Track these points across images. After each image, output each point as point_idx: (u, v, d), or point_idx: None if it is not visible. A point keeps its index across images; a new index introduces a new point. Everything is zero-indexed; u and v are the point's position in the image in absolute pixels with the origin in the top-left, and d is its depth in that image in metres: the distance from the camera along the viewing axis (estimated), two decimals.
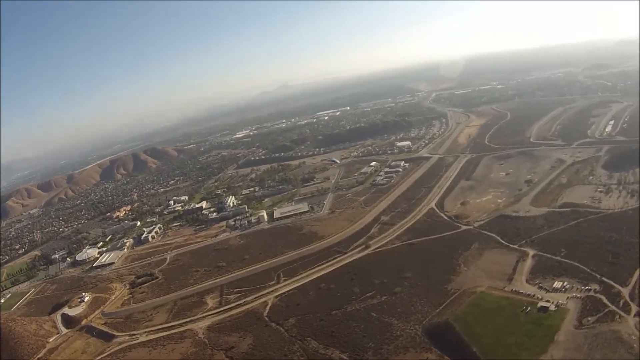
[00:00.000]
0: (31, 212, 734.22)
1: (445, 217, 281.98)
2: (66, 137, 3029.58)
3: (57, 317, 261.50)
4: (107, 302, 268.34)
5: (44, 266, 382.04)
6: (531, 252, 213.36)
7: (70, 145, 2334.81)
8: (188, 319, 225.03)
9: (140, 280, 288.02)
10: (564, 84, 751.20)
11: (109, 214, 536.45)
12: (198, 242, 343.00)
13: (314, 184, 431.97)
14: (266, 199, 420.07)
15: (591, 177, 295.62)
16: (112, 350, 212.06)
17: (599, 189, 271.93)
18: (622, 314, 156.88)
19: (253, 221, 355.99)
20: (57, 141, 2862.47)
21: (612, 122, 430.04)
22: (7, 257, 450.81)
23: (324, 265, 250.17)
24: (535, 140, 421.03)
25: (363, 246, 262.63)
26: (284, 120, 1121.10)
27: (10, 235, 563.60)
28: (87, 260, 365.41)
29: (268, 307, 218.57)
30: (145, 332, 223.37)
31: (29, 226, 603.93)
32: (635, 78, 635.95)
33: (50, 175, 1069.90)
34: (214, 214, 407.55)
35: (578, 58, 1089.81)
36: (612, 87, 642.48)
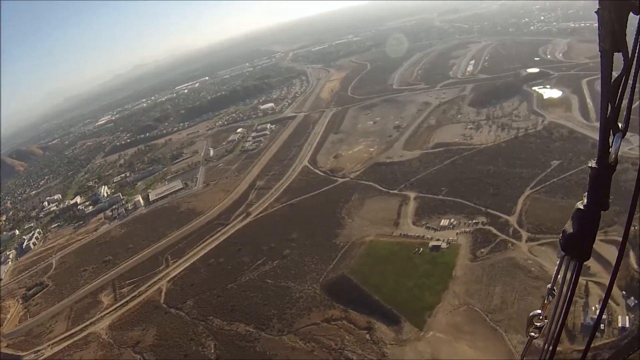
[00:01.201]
0: None
1: (321, 173, 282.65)
2: None
3: None
4: (5, 323, 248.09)
5: None
6: (412, 194, 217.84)
7: None
8: (88, 322, 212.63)
9: (31, 291, 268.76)
10: (419, 30, 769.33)
11: None
12: (80, 239, 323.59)
13: (183, 159, 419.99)
14: (139, 183, 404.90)
15: (459, 116, 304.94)
16: None
17: (469, 126, 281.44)
18: (514, 241, 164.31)
19: (130, 208, 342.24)
20: None
21: (472, 61, 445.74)
22: None
23: (209, 240, 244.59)
24: (399, 87, 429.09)
25: (244, 214, 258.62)
26: (144, 100, 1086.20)
27: None
28: None
29: (163, 293, 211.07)
30: (49, 345, 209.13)
31: None
32: (490, 18, 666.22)
33: None
34: (90, 207, 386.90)
35: (430, 5, 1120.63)
36: (469, 29, 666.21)
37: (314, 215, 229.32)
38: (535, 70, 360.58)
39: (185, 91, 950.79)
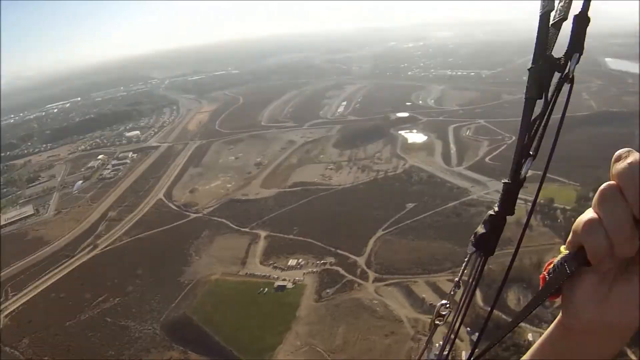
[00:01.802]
0: None
1: (174, 207, 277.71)
2: None
3: None
4: None
5: None
6: (263, 233, 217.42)
7: None
8: None
9: None
10: (301, 68, 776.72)
11: None
12: None
13: (39, 183, 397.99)
14: None
15: (322, 156, 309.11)
16: None
17: (329, 167, 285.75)
18: (361, 281, 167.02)
19: None
20: None
21: (344, 102, 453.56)
22: None
23: (53, 273, 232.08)
24: (267, 124, 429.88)
25: (91, 246, 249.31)
26: (12, 116, 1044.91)
27: None
28: None
29: None
30: None
31: None
32: (372, 61, 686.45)
33: None
34: None
35: (315, 44, 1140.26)
36: (348, 70, 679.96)
37: (162, 250, 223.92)
38: (404, 114, 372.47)
39: (55, 110, 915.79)
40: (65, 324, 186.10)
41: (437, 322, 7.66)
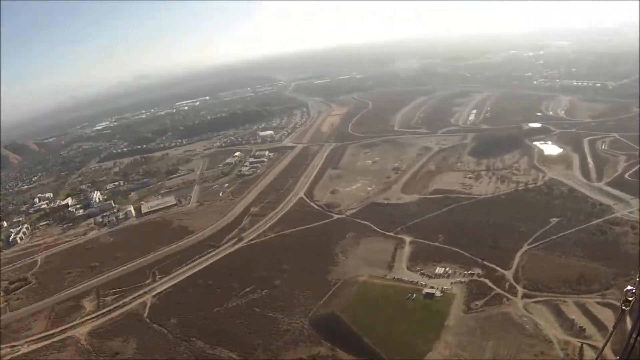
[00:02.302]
0: None
1: (316, 207, 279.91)
2: None
3: None
4: None
5: None
6: (408, 239, 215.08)
7: None
8: (68, 325, 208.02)
9: (13, 285, 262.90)
10: (425, 74, 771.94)
11: None
12: (68, 241, 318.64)
13: (178, 175, 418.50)
14: (132, 193, 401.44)
15: (459, 164, 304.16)
16: None
17: (468, 175, 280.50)
18: (509, 296, 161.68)
19: (121, 217, 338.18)
20: None
21: (474, 110, 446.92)
22: None
23: (199, 261, 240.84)
24: (400, 129, 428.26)
25: (236, 239, 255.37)
26: (143, 111, 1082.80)
27: None
28: None
29: (147, 308, 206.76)
30: (26, 342, 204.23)
31: None
32: (494, 69, 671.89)
33: None
34: (81, 210, 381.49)
35: (435, 50, 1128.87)
36: (472, 78, 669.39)
37: (307, 248, 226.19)
38: (537, 125, 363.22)
39: (186, 108, 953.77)
40: (213, 310, 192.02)
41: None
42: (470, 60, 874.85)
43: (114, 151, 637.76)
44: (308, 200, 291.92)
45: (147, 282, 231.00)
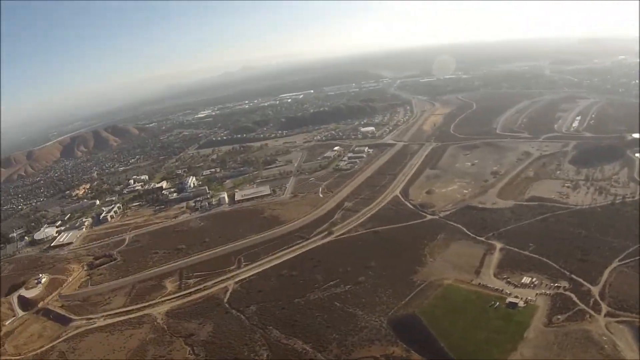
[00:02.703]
0: None
1: (410, 206, 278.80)
2: (27, 113, 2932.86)
3: (14, 299, 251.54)
4: (65, 284, 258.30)
5: (1, 245, 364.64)
6: (498, 245, 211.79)
7: (31, 121, 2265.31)
8: (146, 304, 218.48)
9: (98, 261, 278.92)
10: (530, 77, 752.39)
11: (68, 192, 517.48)
12: (157, 223, 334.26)
13: (276, 166, 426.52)
14: (227, 181, 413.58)
15: (558, 172, 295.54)
16: (69, 335, 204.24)
17: (566, 184, 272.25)
18: (593, 313, 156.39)
19: (214, 203, 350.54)
20: (18, 116, 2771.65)
21: (578, 117, 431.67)
22: None
23: (286, 251, 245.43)
24: (502, 132, 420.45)
25: (326, 232, 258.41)
26: (246, 102, 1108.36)
27: None
28: (45, 240, 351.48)
29: (228, 293, 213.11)
30: (102, 316, 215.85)
31: None
32: (602, 75, 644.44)
33: (10, 151, 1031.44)
34: (174, 194, 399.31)
35: (543, 53, 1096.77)
36: (579, 83, 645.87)
37: (397, 247, 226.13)
38: None
39: (289, 100, 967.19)
40: (293, 300, 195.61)
41: None
42: (578, 65, 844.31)
43: (214, 139, 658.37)
44: (403, 199, 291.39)
45: (232, 268, 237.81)
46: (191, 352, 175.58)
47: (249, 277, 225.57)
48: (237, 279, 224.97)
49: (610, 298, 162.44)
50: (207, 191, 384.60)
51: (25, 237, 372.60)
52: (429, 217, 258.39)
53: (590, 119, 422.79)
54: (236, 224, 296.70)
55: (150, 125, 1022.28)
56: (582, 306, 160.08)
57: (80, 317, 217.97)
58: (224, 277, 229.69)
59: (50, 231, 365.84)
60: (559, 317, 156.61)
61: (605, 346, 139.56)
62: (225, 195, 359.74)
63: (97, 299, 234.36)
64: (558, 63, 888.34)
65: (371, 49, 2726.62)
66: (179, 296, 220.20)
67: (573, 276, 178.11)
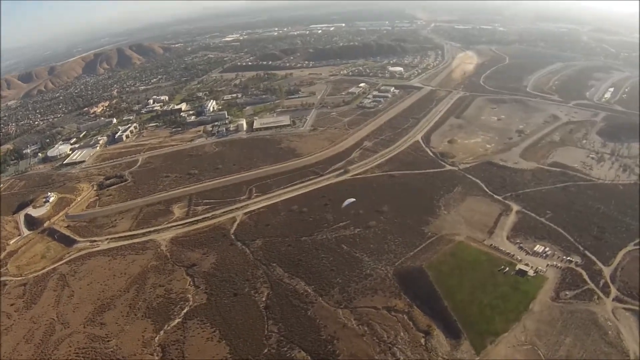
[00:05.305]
0: (9, 103, 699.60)
1: (430, 153, 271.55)
2: (54, 28, 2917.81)
3: (21, 217, 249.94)
4: (73, 204, 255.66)
5: (15, 161, 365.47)
6: (515, 207, 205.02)
7: (58, 36, 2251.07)
8: (152, 229, 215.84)
9: (108, 181, 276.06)
10: (567, 40, 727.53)
11: (86, 109, 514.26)
12: (172, 145, 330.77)
13: (298, 97, 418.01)
14: (247, 107, 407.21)
15: (584, 141, 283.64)
16: (72, 257, 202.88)
17: (591, 155, 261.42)
18: (601, 295, 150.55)
19: (231, 129, 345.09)
20: (45, 31, 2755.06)
21: (611, 89, 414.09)
22: None
23: (299, 186, 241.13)
24: (532, 91, 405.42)
25: (342, 170, 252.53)
26: (276, 29, 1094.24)
27: None
28: (59, 157, 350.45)
29: (236, 224, 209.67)
30: (107, 239, 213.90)
31: (5, 118, 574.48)
32: None
33: (33, 66, 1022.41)
34: (193, 117, 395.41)
35: (585, 18, 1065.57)
36: (616, 54, 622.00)
37: (411, 194, 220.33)
38: None
39: (319, 31, 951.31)
40: (300, 238, 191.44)
41: None
42: (620, 36, 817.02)
43: (239, 64, 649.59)
44: (423, 145, 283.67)
45: (242, 198, 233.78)
46: (191, 282, 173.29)
47: (258, 209, 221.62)
48: (246, 210, 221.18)
49: (621, 282, 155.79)
50: (226, 116, 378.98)
51: (39, 154, 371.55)
52: (448, 167, 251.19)
53: (623, 93, 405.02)
54: (252, 153, 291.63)
55: (176, 45, 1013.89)
56: (592, 286, 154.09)
57: (84, 239, 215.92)
58: (233, 206, 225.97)
59: (64, 148, 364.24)
60: (567, 293, 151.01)
61: (609, 332, 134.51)
62: (244, 122, 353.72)
63: (103, 220, 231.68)
64: (598, 31, 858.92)
65: None
66: (186, 223, 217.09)
67: (586, 252, 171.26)
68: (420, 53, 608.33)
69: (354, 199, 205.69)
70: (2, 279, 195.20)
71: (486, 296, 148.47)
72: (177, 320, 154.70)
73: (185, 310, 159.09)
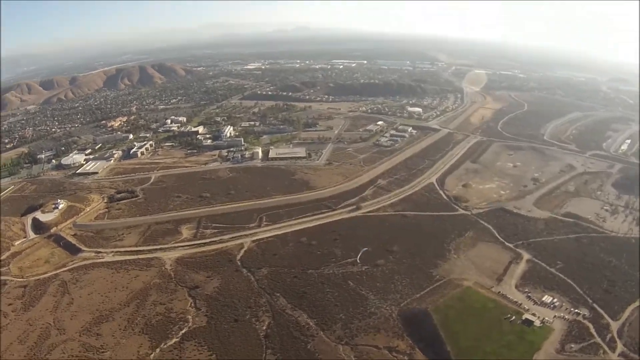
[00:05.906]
0: (28, 107, 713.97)
1: (444, 196, 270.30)
2: (79, 40, 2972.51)
3: (28, 220, 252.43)
4: (81, 213, 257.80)
5: (28, 164, 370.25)
6: (526, 255, 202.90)
7: (81, 48, 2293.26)
8: (158, 247, 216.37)
9: (119, 195, 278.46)
10: (585, 90, 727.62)
11: (104, 122, 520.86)
12: (186, 166, 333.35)
13: (316, 130, 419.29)
14: (264, 136, 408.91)
15: (599, 193, 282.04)
16: (75, 265, 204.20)
17: (605, 207, 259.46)
18: (607, 349, 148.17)
19: (247, 156, 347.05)
20: (69, 42, 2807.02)
21: (629, 140, 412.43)
22: None
23: (310, 218, 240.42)
24: (549, 139, 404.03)
25: (354, 207, 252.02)
26: (297, 61, 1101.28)
27: (2, 129, 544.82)
28: (72, 166, 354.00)
29: (243, 251, 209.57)
30: (112, 251, 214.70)
31: (23, 122, 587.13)
32: None
33: (55, 74, 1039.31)
34: (209, 141, 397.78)
35: (602, 68, 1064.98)
36: (634, 105, 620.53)
37: (422, 236, 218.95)
38: None
39: (341, 67, 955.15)
40: (307, 271, 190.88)
41: None
42: (636, 88, 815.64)
43: (259, 92, 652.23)
44: (438, 187, 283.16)
45: (252, 225, 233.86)
46: (193, 304, 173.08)
47: (267, 237, 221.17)
48: (254, 238, 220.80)
49: (628, 338, 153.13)
50: (242, 143, 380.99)
51: (53, 160, 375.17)
52: (461, 211, 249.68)
53: None
54: (265, 181, 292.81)
55: (198, 68, 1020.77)
56: (598, 340, 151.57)
57: (89, 249, 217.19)
58: (242, 233, 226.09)
59: (79, 158, 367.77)
60: (573, 346, 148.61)
61: None
62: (259, 150, 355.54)
63: (110, 233, 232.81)
64: (616, 81, 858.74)
65: (427, 31, 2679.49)
66: (193, 245, 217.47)
67: (595, 305, 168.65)
68: (439, 95, 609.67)
69: (368, 249, 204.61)
70: (3, 278, 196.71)
71: (491, 344, 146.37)
72: (174, 340, 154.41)
73: (183, 331, 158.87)
